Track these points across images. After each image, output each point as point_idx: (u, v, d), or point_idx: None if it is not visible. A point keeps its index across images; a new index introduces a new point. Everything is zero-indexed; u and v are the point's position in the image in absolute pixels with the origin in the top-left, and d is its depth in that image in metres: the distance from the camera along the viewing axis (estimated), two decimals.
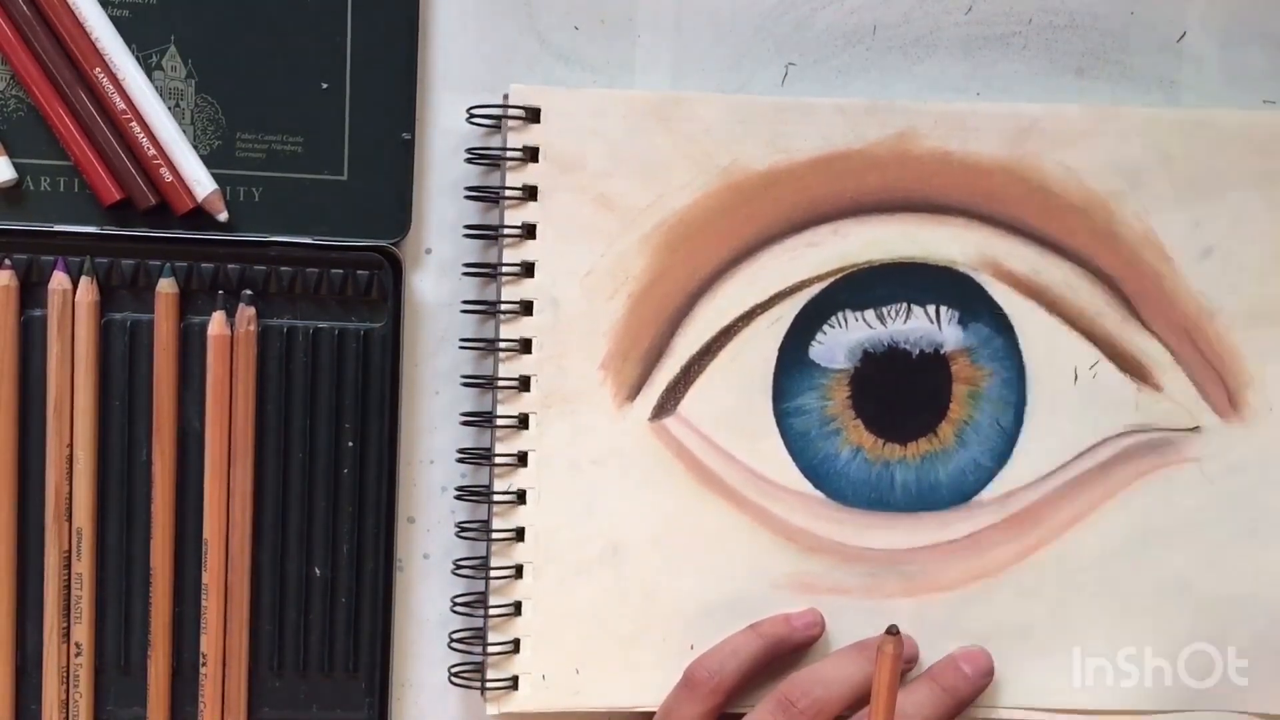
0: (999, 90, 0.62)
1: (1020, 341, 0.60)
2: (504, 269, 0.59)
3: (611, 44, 0.61)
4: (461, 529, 0.60)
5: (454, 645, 0.60)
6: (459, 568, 0.60)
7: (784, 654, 0.59)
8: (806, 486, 0.60)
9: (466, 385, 0.59)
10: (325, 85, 0.59)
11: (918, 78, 0.61)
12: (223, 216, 0.58)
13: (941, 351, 0.61)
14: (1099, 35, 0.62)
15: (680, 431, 0.59)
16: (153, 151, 0.58)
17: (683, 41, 0.61)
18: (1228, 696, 0.62)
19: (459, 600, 0.60)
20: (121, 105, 0.58)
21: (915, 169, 0.60)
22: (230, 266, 0.59)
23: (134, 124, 0.58)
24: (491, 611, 0.59)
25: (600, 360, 0.59)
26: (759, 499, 0.60)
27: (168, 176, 0.58)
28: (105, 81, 0.57)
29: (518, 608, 0.59)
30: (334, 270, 0.59)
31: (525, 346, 0.59)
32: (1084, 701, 0.61)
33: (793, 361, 0.60)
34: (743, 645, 0.59)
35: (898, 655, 0.53)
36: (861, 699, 0.56)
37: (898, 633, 0.53)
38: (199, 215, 0.58)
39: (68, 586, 0.58)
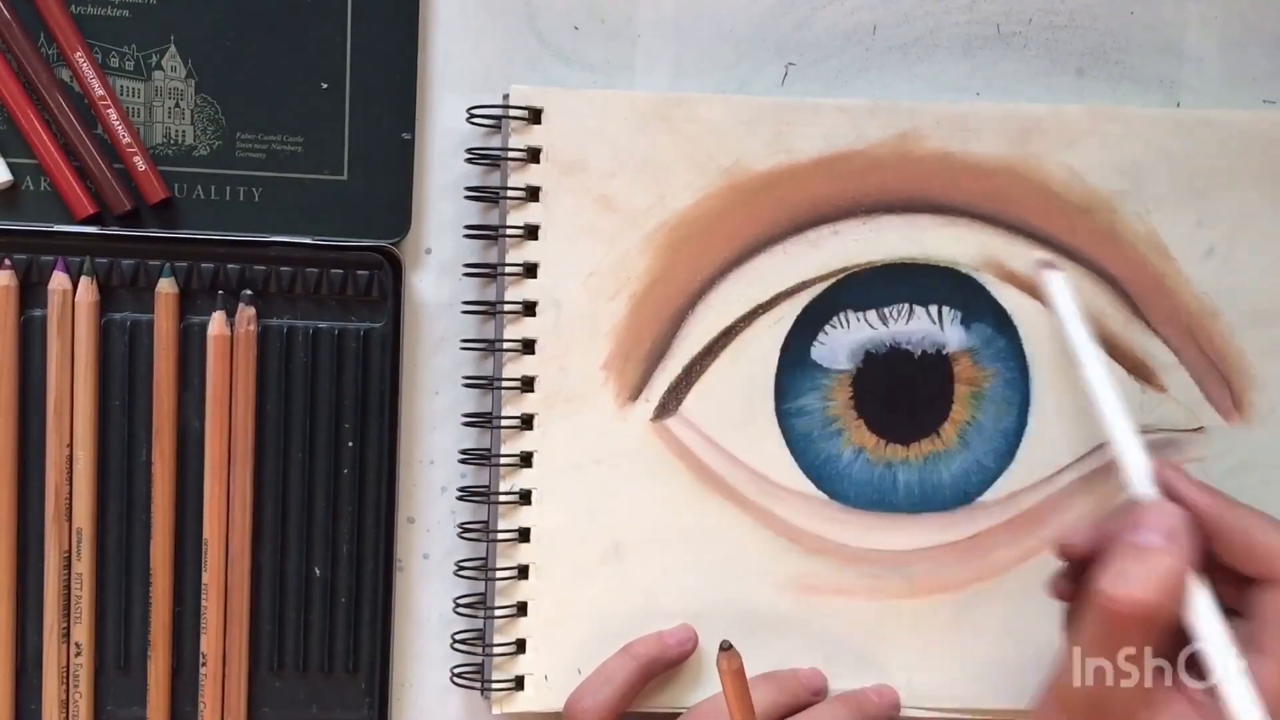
0: (999, 90, 0.61)
1: (1023, 342, 0.60)
2: (506, 270, 0.59)
3: (611, 44, 0.61)
4: (464, 529, 0.60)
5: (456, 646, 0.60)
6: (461, 568, 0.60)
7: (659, 672, 0.59)
8: (809, 487, 0.60)
9: (468, 386, 0.59)
10: (325, 85, 0.59)
11: (918, 78, 0.61)
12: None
13: (944, 352, 0.61)
14: (1099, 35, 0.62)
15: (682, 432, 0.59)
16: (128, 139, 0.58)
17: (682, 41, 0.61)
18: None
19: (461, 601, 0.60)
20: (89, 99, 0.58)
21: (917, 169, 0.60)
22: (230, 266, 0.59)
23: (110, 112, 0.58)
24: (497, 612, 0.59)
25: (602, 361, 0.59)
26: (761, 500, 0.60)
27: (141, 166, 0.58)
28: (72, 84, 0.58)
29: (522, 608, 0.59)
30: (334, 270, 0.59)
31: (528, 347, 0.59)
32: None
33: (794, 362, 0.60)
34: (616, 670, 0.58)
35: (737, 671, 0.52)
36: None
37: (730, 647, 0.52)
38: (171, 207, 0.59)
39: (68, 586, 0.58)
